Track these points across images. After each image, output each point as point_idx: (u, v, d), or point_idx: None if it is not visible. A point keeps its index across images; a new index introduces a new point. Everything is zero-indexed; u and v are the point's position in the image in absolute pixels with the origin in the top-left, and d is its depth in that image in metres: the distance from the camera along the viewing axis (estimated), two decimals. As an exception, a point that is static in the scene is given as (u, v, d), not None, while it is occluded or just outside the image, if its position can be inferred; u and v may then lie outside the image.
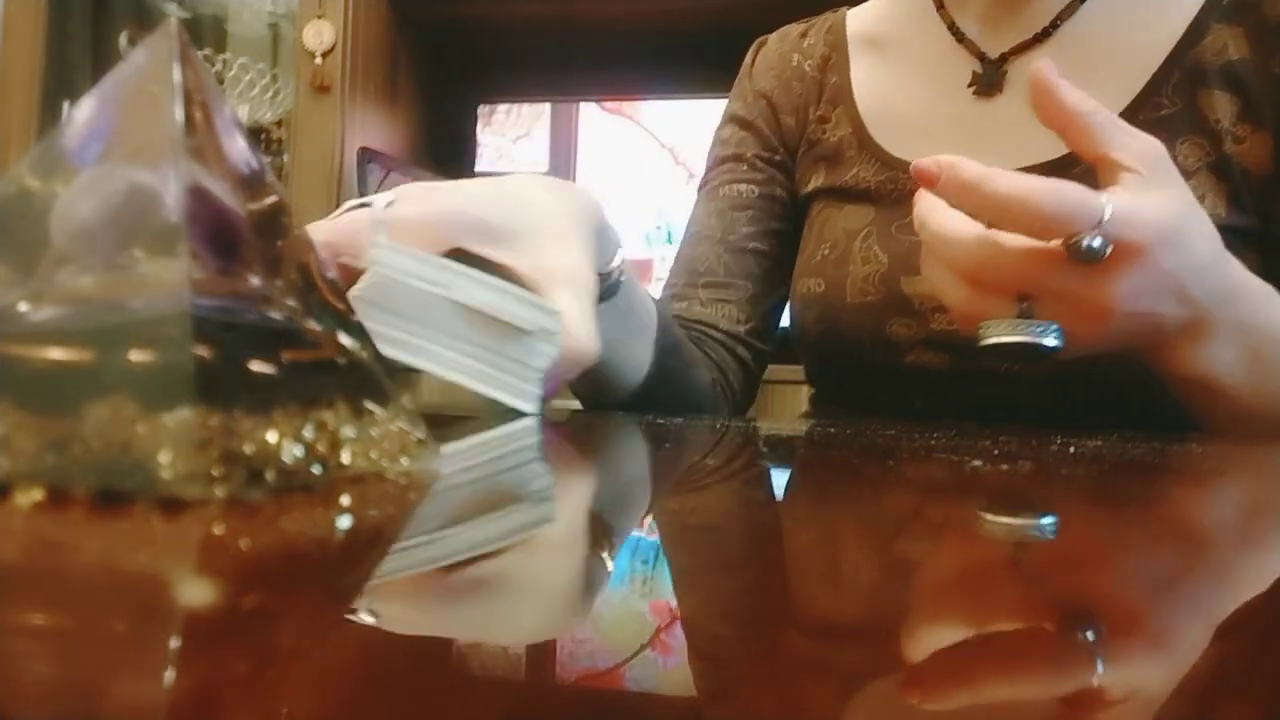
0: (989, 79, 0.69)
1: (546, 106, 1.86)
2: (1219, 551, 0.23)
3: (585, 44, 1.81)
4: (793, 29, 0.83)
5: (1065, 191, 0.45)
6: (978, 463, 0.35)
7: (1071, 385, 0.61)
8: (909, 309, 0.65)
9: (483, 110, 1.88)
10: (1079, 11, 0.67)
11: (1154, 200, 0.47)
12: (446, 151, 1.89)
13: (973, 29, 0.71)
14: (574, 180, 1.83)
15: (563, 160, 1.84)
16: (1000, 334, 0.48)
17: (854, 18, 0.81)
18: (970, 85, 0.70)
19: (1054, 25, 0.67)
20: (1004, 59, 0.69)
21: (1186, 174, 0.61)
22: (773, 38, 0.84)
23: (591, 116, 1.84)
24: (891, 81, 0.75)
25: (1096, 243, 0.45)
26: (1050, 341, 0.47)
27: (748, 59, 0.84)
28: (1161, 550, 0.22)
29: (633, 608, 0.16)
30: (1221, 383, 0.51)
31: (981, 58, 0.70)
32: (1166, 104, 0.64)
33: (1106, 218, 0.45)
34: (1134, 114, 0.63)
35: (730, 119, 0.82)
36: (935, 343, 0.65)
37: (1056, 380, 0.61)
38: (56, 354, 0.22)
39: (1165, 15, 0.65)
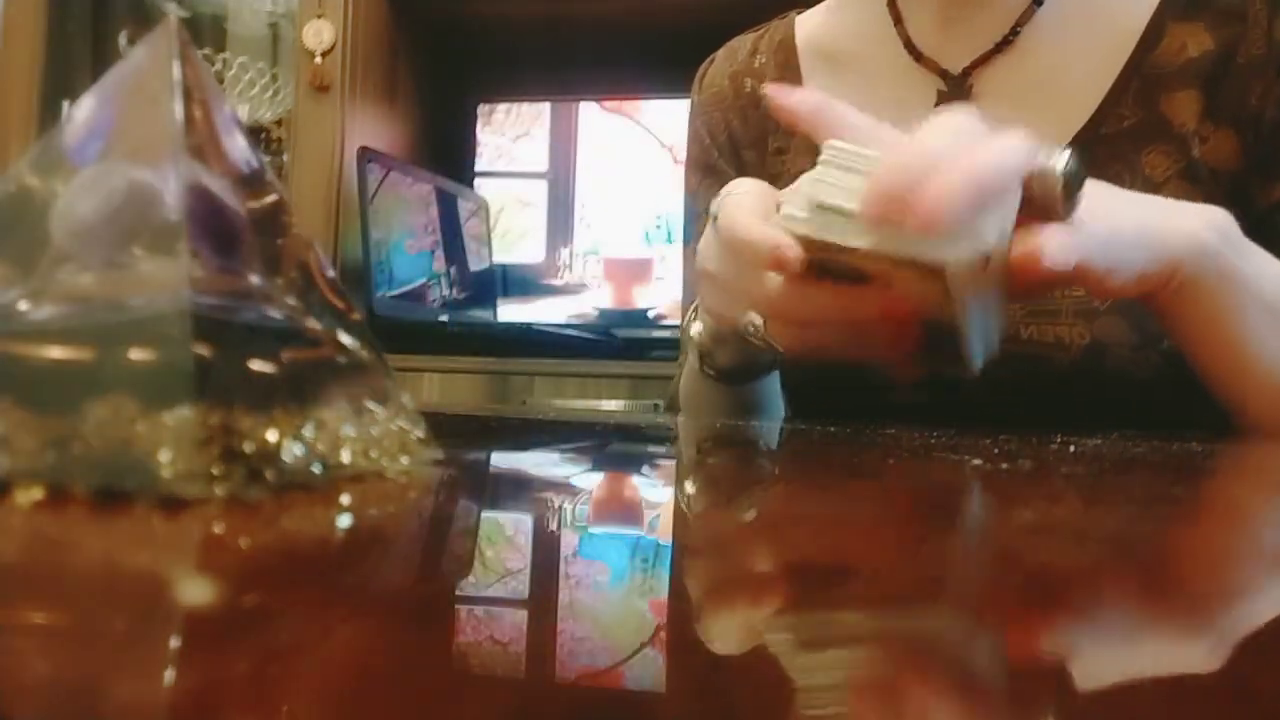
0: (955, 97, 0.65)
1: (546, 106, 1.85)
2: (1218, 549, 0.23)
3: (584, 43, 1.80)
4: (741, 45, 0.77)
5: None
6: (978, 462, 0.35)
7: (1045, 408, 0.60)
8: None
9: (483, 110, 1.87)
10: (1036, 16, 0.64)
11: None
12: (446, 151, 1.88)
13: (929, 42, 0.67)
14: (574, 179, 1.82)
15: (563, 160, 1.83)
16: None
17: (803, 26, 0.75)
18: (937, 105, 0.66)
19: (1014, 33, 0.64)
20: (967, 74, 0.65)
21: (1154, 185, 0.59)
22: (720, 56, 0.78)
23: (591, 116, 1.83)
24: (850, 104, 0.72)
25: (1065, 162, 0.41)
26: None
27: (695, 84, 0.78)
28: (1162, 549, 0.22)
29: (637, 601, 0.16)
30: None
31: (944, 74, 0.66)
32: (1128, 114, 0.61)
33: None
34: (1096, 127, 0.61)
35: (692, 166, 0.77)
36: (917, 383, 0.64)
37: (1038, 412, 0.61)
38: (57, 352, 0.22)
39: (1121, 18, 0.63)
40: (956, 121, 0.42)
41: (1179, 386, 0.53)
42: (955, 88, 0.66)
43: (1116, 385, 0.59)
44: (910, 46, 0.67)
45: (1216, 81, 0.60)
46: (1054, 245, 0.41)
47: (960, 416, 0.62)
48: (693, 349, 0.59)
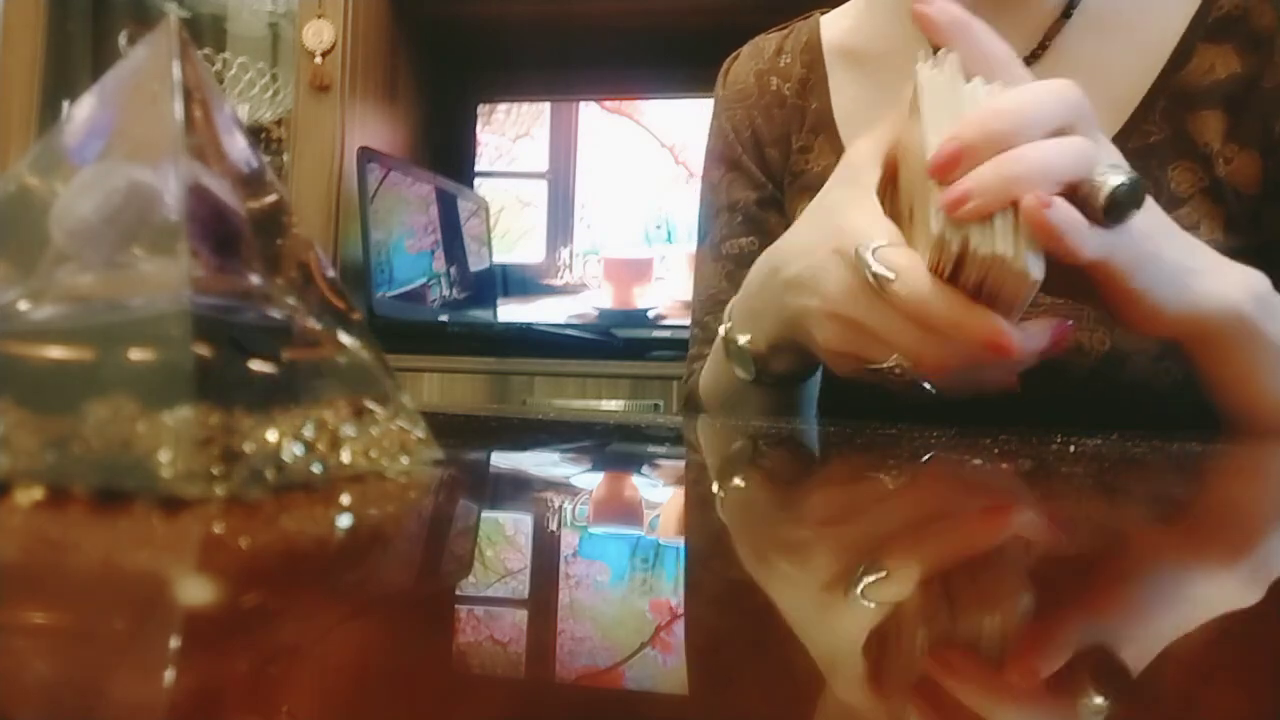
0: None
1: (546, 106, 1.85)
2: (1218, 549, 0.23)
3: (585, 43, 1.81)
4: (766, 43, 0.77)
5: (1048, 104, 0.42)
6: (978, 461, 0.35)
7: (1059, 414, 0.60)
8: None
9: (483, 110, 1.87)
10: (1065, 29, 0.64)
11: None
12: (446, 151, 1.89)
13: None
14: (574, 180, 1.82)
15: (563, 160, 1.84)
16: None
17: (830, 27, 0.75)
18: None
19: (1042, 46, 0.64)
20: None
21: (1179, 200, 0.60)
22: (745, 53, 0.78)
23: (591, 116, 1.83)
24: (876, 108, 0.70)
25: (1123, 180, 0.41)
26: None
27: (720, 80, 0.78)
28: (1163, 548, 0.22)
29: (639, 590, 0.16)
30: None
31: None
32: (1155, 130, 0.62)
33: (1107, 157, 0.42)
34: (1123, 142, 0.61)
35: (716, 159, 0.77)
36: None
37: (1053, 417, 0.61)
38: (57, 352, 0.22)
39: (1151, 36, 0.63)
40: (1051, 97, 0.43)
41: (1198, 398, 0.53)
42: None
43: (1134, 394, 0.59)
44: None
45: (1241, 104, 0.61)
46: (1077, 230, 0.41)
47: (975, 418, 0.61)
48: (735, 356, 0.58)
